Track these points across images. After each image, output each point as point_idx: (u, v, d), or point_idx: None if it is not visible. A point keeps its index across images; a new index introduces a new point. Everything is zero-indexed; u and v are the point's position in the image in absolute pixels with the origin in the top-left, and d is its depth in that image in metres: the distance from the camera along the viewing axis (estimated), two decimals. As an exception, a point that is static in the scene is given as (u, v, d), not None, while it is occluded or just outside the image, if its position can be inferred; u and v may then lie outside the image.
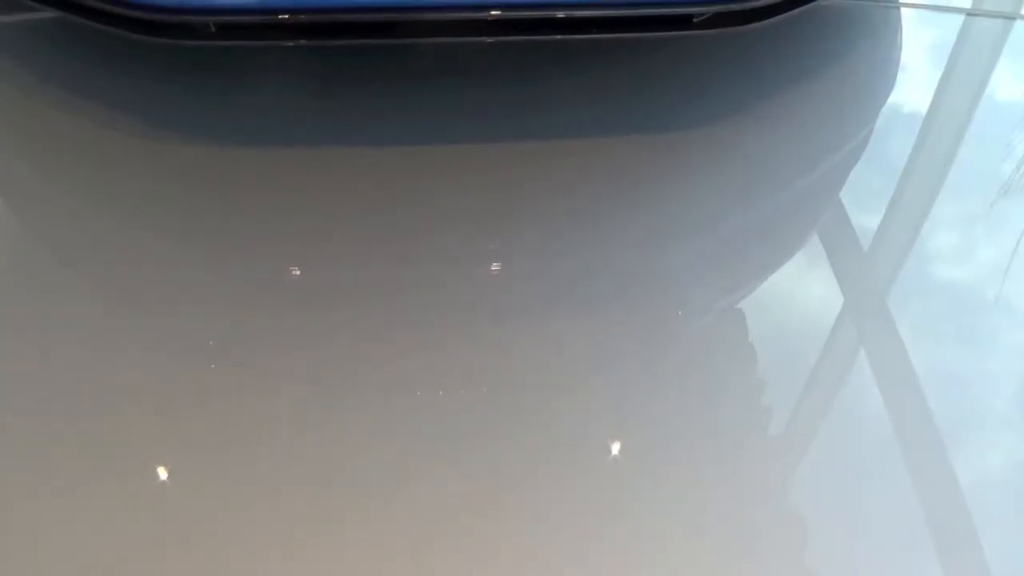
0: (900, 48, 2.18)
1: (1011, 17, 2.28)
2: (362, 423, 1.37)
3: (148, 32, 1.62)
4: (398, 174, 1.75)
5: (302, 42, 1.71)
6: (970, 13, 2.28)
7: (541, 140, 1.82)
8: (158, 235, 1.64)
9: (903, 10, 2.27)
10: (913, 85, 2.09)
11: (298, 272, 1.58)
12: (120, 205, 1.70)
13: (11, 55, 1.98)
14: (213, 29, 1.62)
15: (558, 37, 1.69)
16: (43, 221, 1.71)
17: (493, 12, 1.56)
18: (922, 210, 1.79)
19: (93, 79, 1.92)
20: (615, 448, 1.36)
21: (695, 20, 1.64)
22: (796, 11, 1.73)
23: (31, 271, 1.60)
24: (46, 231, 1.69)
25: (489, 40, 1.62)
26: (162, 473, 1.30)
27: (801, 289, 1.62)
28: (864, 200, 1.78)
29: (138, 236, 1.64)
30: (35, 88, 1.90)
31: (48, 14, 1.74)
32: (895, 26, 2.22)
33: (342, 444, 1.34)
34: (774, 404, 1.43)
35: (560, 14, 1.59)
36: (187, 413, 1.37)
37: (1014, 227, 1.75)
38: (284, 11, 1.55)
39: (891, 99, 2.05)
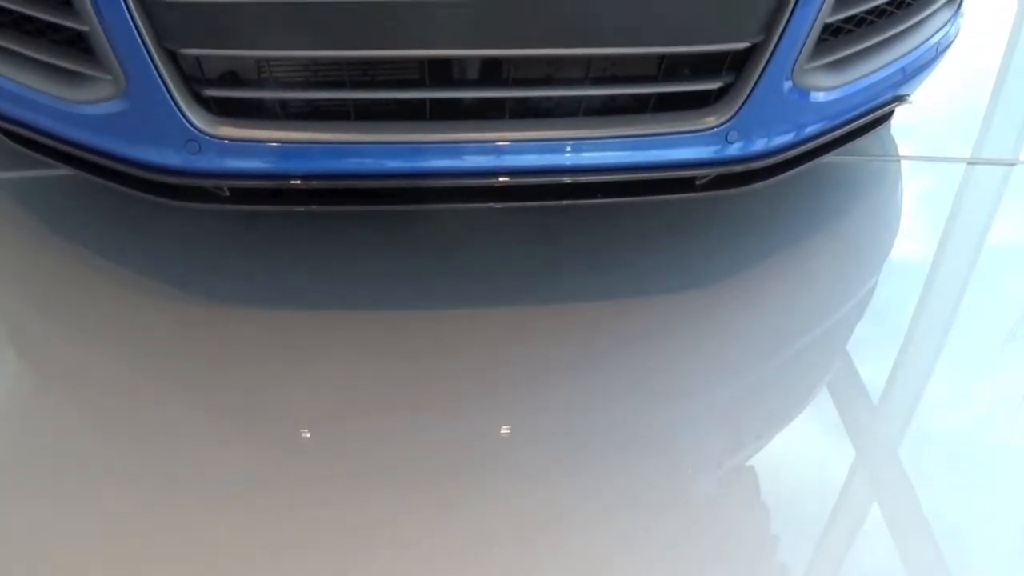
0: (900, 200, 2.21)
1: (1011, 163, 2.32)
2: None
3: (161, 194, 1.65)
4: (407, 337, 1.76)
5: (313, 207, 1.74)
6: (970, 162, 2.32)
7: (544, 304, 1.84)
8: (162, 385, 1.66)
9: (903, 162, 2.31)
10: (915, 236, 2.11)
11: (307, 433, 1.58)
12: (122, 354, 1.72)
13: (24, 207, 2.02)
14: (226, 193, 1.64)
15: (565, 203, 1.71)
16: (45, 367, 1.73)
17: (501, 179, 1.60)
18: (930, 360, 1.80)
19: (102, 232, 1.95)
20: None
21: (697, 183, 1.67)
22: (796, 170, 1.76)
23: (37, 424, 1.61)
24: (47, 378, 1.70)
25: (498, 206, 1.64)
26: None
27: (811, 443, 1.62)
28: (871, 352, 1.79)
29: (142, 385, 1.66)
30: (45, 240, 1.94)
31: (63, 171, 1.78)
32: (895, 179, 2.26)
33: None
34: (788, 560, 1.42)
35: (567, 179, 1.62)
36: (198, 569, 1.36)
37: (1021, 374, 1.75)
38: (296, 176, 1.58)
39: (893, 251, 2.07)
